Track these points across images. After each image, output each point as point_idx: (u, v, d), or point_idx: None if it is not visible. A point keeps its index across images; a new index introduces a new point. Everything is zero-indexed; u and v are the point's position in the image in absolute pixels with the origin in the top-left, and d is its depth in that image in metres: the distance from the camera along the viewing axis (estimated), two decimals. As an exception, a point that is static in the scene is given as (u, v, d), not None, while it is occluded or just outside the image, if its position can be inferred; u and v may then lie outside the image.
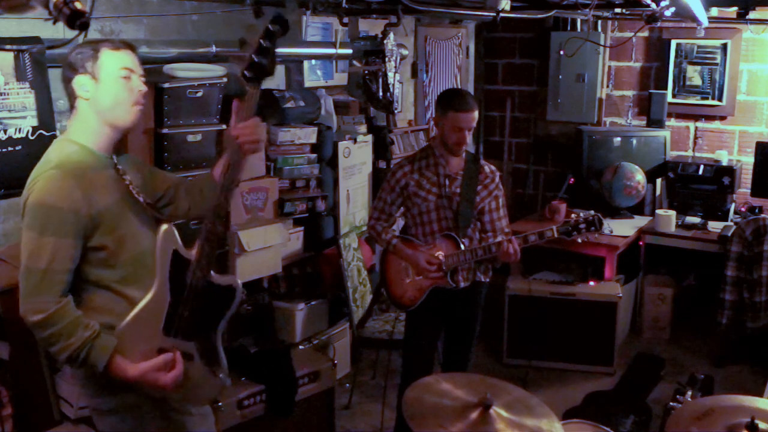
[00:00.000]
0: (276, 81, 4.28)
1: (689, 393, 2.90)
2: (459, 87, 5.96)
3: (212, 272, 2.16)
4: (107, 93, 2.02)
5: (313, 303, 4.22)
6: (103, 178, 2.05)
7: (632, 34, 5.40)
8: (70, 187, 1.95)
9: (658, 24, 4.16)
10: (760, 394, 3.11)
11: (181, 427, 2.19)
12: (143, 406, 2.10)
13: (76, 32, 1.95)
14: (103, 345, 1.97)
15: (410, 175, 3.29)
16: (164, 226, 2.13)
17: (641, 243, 5.07)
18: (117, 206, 2.06)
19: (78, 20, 1.87)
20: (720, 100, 5.43)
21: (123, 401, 2.08)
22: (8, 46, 2.60)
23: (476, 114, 3.20)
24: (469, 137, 3.24)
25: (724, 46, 5.33)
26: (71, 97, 2.06)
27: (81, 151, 2.03)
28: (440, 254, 3.21)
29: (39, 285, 1.92)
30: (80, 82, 2.02)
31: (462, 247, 3.21)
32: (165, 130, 3.31)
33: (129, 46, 2.09)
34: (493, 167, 3.41)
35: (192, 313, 2.12)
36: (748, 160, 5.27)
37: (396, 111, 4.71)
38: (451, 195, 3.27)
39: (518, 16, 4.41)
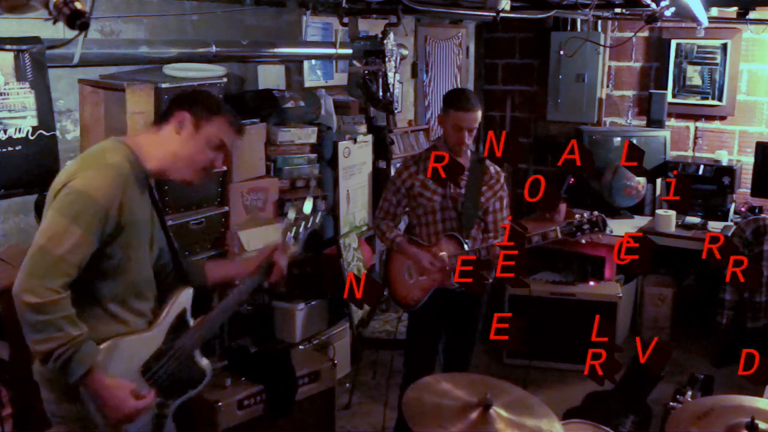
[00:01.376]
0: (276, 81, 4.29)
1: (689, 393, 2.90)
2: (460, 87, 5.96)
3: (197, 350, 2.26)
4: (192, 146, 2.11)
5: (313, 303, 4.22)
6: (141, 196, 2.09)
7: (632, 34, 5.39)
8: (115, 188, 1.97)
9: (658, 24, 4.17)
10: (760, 394, 3.11)
11: None
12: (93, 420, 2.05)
13: (76, 32, 1.94)
14: (89, 351, 1.94)
15: (415, 175, 3.30)
16: (188, 289, 2.24)
17: (641, 243, 5.07)
18: (141, 226, 2.09)
19: (78, 20, 1.86)
20: (720, 100, 5.43)
21: (81, 411, 2.03)
22: (8, 46, 2.60)
23: (478, 114, 3.19)
24: (470, 138, 3.23)
25: (724, 46, 5.33)
26: (164, 116, 2.13)
27: (135, 162, 2.06)
28: (444, 254, 3.21)
29: (48, 269, 1.87)
30: (183, 117, 2.10)
31: (465, 247, 3.21)
32: (165, 130, 3.31)
33: (240, 132, 2.21)
34: (498, 168, 3.41)
35: (170, 370, 2.16)
36: (748, 160, 5.27)
37: (396, 111, 4.72)
38: (456, 195, 3.27)
39: (518, 16, 4.41)
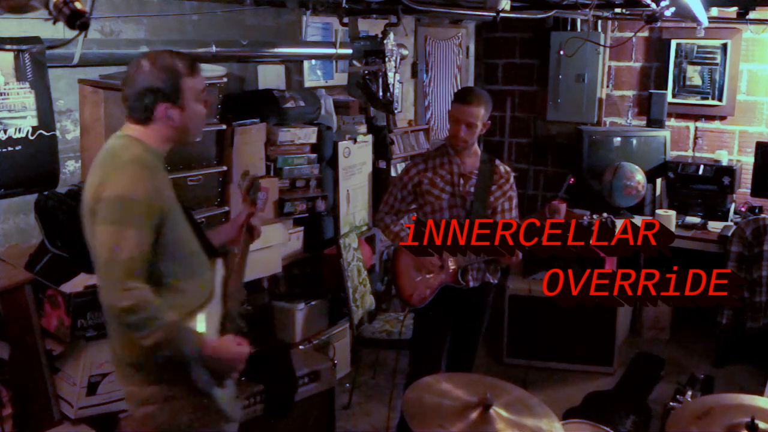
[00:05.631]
0: (276, 81, 4.28)
1: (689, 393, 2.91)
2: (459, 87, 5.96)
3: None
4: (192, 118, 2.18)
5: (313, 303, 4.22)
6: (165, 176, 2.20)
7: (632, 34, 5.39)
8: (144, 180, 2.05)
9: (658, 24, 4.16)
10: (760, 394, 3.11)
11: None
12: (182, 399, 2.18)
13: (76, 32, 1.94)
14: (192, 329, 2.12)
15: (424, 173, 3.30)
16: (220, 260, 2.40)
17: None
18: (175, 204, 2.19)
19: (78, 20, 1.87)
20: (720, 100, 5.43)
21: (167, 392, 2.16)
22: (8, 46, 2.60)
23: (474, 110, 3.18)
24: (468, 134, 3.22)
25: (724, 46, 5.33)
26: (147, 111, 2.14)
27: (148, 149, 2.14)
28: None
29: (124, 273, 1.98)
30: (165, 109, 2.13)
31: None
32: (165, 130, 3.31)
33: (197, 65, 2.21)
34: (507, 167, 3.42)
35: (233, 331, 2.32)
36: (748, 160, 5.27)
37: (396, 111, 4.72)
38: (465, 194, 3.27)
39: (518, 16, 4.41)
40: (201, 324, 2.19)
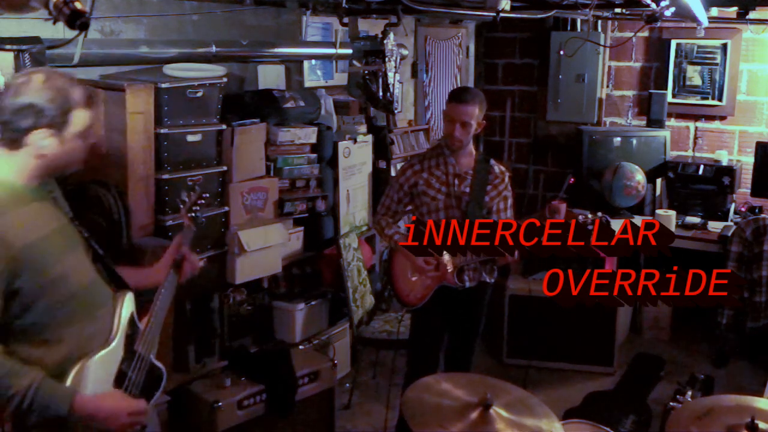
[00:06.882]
0: (276, 81, 4.29)
1: (689, 393, 2.91)
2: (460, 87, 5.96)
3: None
4: (69, 152, 1.89)
5: (313, 303, 4.22)
6: (30, 212, 1.85)
7: (632, 34, 5.39)
8: None
9: (658, 24, 4.16)
10: (760, 394, 3.11)
11: None
12: None
13: (76, 32, 1.94)
14: (57, 385, 1.82)
15: (420, 174, 3.30)
16: (129, 293, 2.11)
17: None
18: (48, 242, 1.87)
19: (78, 20, 1.87)
20: (720, 100, 5.43)
21: None
22: (8, 46, 2.60)
23: (469, 109, 3.18)
24: (463, 133, 3.21)
25: (724, 46, 5.33)
26: (19, 132, 1.81)
27: (2, 183, 1.83)
28: (444, 255, 3.20)
29: None
30: (42, 138, 1.81)
31: None
32: (164, 130, 3.31)
33: (96, 99, 1.96)
34: (502, 167, 3.41)
35: (140, 377, 2.08)
36: (748, 160, 5.27)
37: (396, 111, 4.72)
38: (460, 194, 3.27)
39: (518, 16, 4.41)
40: (86, 374, 1.90)
